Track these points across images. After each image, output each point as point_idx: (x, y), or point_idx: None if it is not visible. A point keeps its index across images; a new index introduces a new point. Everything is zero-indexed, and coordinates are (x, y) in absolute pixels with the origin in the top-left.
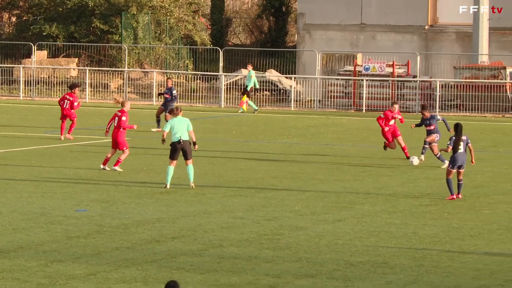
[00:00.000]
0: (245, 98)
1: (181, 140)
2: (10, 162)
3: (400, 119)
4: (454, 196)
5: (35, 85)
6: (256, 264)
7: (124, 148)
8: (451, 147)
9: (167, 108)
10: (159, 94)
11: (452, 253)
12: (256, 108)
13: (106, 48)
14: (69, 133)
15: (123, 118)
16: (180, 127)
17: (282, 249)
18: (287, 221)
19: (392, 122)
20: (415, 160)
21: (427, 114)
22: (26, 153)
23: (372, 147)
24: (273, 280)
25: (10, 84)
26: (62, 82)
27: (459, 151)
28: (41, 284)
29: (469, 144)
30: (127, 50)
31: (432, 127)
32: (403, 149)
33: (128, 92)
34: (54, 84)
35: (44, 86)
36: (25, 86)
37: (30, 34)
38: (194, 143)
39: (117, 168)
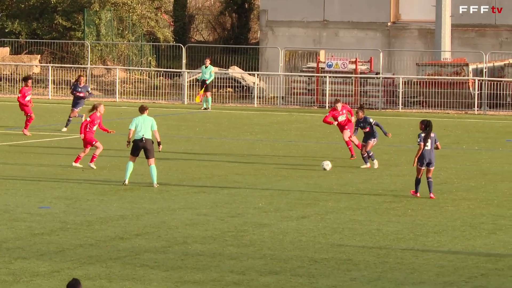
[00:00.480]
0: (202, 91)
1: (143, 138)
2: None
3: (347, 117)
4: (418, 194)
5: None
6: (220, 261)
7: (94, 142)
8: (422, 144)
9: (78, 106)
10: (72, 92)
11: (416, 249)
12: (205, 106)
13: (68, 45)
14: (25, 129)
15: (87, 119)
16: (144, 126)
17: (246, 246)
18: (251, 218)
19: (342, 118)
20: (327, 165)
21: (361, 115)
22: None
23: (335, 143)
24: (237, 277)
25: None
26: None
27: (426, 148)
28: (5, 281)
29: (438, 143)
30: (89, 47)
31: (367, 129)
32: (347, 143)
33: (91, 89)
34: (16, 81)
35: (7, 83)
36: None
37: None
38: (159, 143)
39: (91, 164)
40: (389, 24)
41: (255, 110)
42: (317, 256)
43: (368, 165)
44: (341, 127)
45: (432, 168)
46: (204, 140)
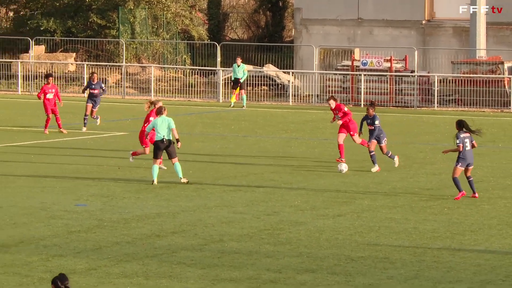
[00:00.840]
0: (237, 90)
1: (164, 139)
2: (9, 157)
3: (342, 116)
4: (464, 192)
5: (33, 79)
6: (256, 259)
7: (143, 146)
8: (461, 145)
9: (96, 104)
10: (85, 89)
11: (452, 248)
12: (233, 104)
13: (103, 43)
14: (45, 128)
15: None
16: (163, 127)
17: (283, 244)
18: (287, 216)
19: (338, 118)
20: (343, 168)
21: (372, 112)
22: (25, 147)
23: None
24: (274, 275)
25: (8, 79)
26: (60, 77)
27: (466, 148)
28: (43, 279)
29: (474, 142)
30: (124, 45)
31: (373, 128)
32: (362, 144)
33: (127, 87)
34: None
35: (42, 81)
36: (23, 80)
37: (27, 29)
38: (178, 140)
39: (131, 158)
40: (423, 22)
41: (290, 108)
42: (353, 254)
43: (377, 167)
44: (343, 127)
45: (471, 168)
46: (239, 138)
